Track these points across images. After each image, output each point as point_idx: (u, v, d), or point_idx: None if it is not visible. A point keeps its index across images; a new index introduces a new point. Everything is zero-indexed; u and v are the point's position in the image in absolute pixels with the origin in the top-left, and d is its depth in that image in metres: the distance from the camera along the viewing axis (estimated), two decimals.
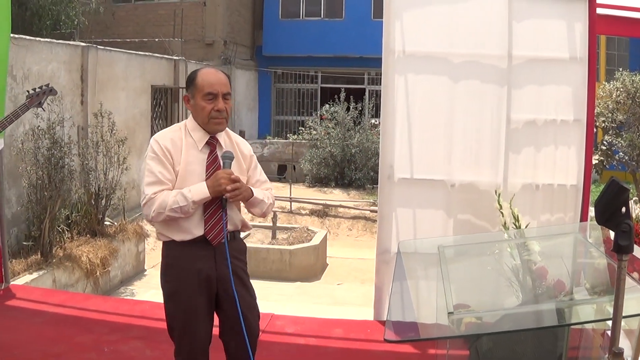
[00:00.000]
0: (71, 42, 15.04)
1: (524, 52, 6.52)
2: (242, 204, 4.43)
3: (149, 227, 13.51)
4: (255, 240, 15.56)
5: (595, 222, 3.14)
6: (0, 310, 7.17)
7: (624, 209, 2.88)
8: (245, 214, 4.59)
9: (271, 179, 4.66)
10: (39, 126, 10.73)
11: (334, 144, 22.62)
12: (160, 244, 4.34)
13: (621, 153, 17.61)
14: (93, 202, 12.16)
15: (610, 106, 17.60)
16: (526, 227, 5.57)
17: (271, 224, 16.06)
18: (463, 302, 4.05)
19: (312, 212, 19.54)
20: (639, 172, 16.90)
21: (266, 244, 15.25)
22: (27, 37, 12.63)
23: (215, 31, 25.62)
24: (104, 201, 12.34)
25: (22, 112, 5.82)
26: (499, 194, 5.85)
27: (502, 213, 5.68)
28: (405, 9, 6.59)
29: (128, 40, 24.09)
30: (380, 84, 6.81)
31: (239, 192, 4.15)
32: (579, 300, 4.44)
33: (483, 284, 5.02)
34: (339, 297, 12.44)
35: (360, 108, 23.49)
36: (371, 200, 19.90)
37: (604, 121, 17.57)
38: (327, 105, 23.90)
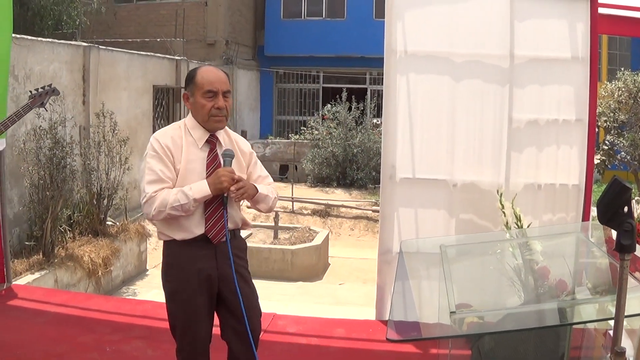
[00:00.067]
0: (73, 42, 15.05)
1: (525, 52, 6.52)
2: (241, 202, 4.44)
3: (150, 227, 13.53)
4: (257, 240, 15.57)
5: (597, 222, 3.14)
6: (3, 310, 7.17)
7: (626, 209, 2.88)
8: (245, 213, 4.58)
9: (273, 179, 4.65)
10: (40, 126, 10.73)
11: (336, 143, 22.63)
12: (162, 244, 4.34)
13: (623, 153, 17.64)
14: (95, 202, 12.16)
15: (612, 106, 17.62)
16: (528, 226, 5.57)
17: (273, 224, 16.07)
18: (465, 301, 4.06)
19: (314, 212, 19.55)
20: None
21: (268, 243, 15.26)
22: (29, 37, 12.64)
23: (217, 31, 25.62)
24: (106, 201, 12.34)
25: (25, 112, 5.82)
26: (501, 194, 5.85)
27: (504, 213, 5.68)
28: (407, 8, 6.59)
29: (130, 40, 24.08)
30: (382, 84, 6.81)
31: (244, 190, 4.15)
32: (581, 300, 4.44)
33: (485, 283, 5.03)
34: (341, 297, 12.45)
35: (362, 108, 23.51)
36: (373, 200, 19.91)
37: (605, 121, 17.59)
38: (329, 105, 23.91)
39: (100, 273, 11.28)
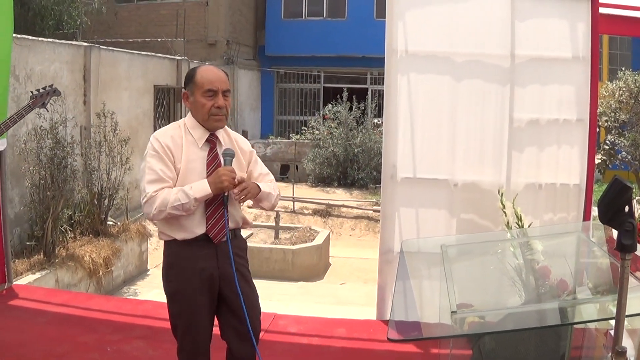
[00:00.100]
0: (74, 42, 15.06)
1: (526, 52, 6.52)
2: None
3: (151, 227, 13.54)
4: (258, 240, 15.58)
5: (598, 222, 3.14)
6: (4, 310, 7.17)
7: (627, 208, 2.88)
8: (246, 213, 4.57)
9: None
10: (41, 126, 10.74)
11: (337, 143, 22.63)
12: (162, 244, 4.34)
13: (624, 152, 17.64)
14: (96, 202, 12.18)
15: (613, 106, 17.62)
16: (529, 226, 5.57)
17: (274, 224, 16.08)
18: (466, 301, 4.06)
19: (315, 212, 19.56)
20: None
21: (269, 243, 15.28)
22: (30, 37, 12.65)
23: (218, 31, 25.62)
24: (106, 201, 12.36)
25: (26, 112, 5.82)
26: (502, 194, 5.86)
27: (505, 212, 5.68)
28: (408, 8, 6.59)
29: (131, 40, 24.08)
30: (383, 84, 6.81)
31: (247, 191, 4.16)
32: (581, 300, 4.44)
33: (486, 283, 5.03)
34: (342, 296, 12.45)
35: (362, 108, 23.52)
36: (374, 200, 19.92)
37: (606, 121, 17.59)
38: (330, 105, 23.92)
39: (101, 273, 11.29)
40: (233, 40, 26.08)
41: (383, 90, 6.85)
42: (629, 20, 6.70)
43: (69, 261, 10.67)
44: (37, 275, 9.90)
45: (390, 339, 3.93)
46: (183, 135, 4.21)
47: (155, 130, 13.28)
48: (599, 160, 17.04)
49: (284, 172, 24.37)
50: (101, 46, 15.64)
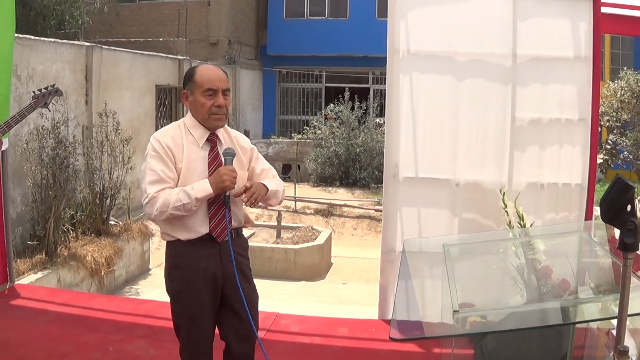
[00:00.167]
0: (75, 42, 15.07)
1: (528, 51, 6.52)
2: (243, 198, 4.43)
3: (153, 227, 13.55)
4: (260, 239, 15.59)
5: (600, 221, 3.14)
6: (6, 309, 7.18)
7: (629, 207, 2.88)
8: (248, 213, 4.58)
9: None
10: (43, 126, 10.74)
11: (339, 143, 22.61)
12: (164, 243, 4.33)
13: (626, 152, 17.65)
14: (98, 202, 12.18)
15: (614, 105, 17.62)
16: (531, 226, 5.57)
17: (276, 223, 16.08)
18: (468, 301, 4.06)
19: (317, 212, 19.56)
20: None
21: (271, 243, 15.28)
22: (32, 37, 12.66)
23: (220, 31, 25.62)
24: (108, 200, 12.36)
25: (28, 112, 5.83)
26: (504, 193, 5.86)
27: (507, 212, 5.68)
28: (410, 8, 6.59)
29: (132, 40, 24.09)
30: (385, 83, 6.82)
31: (255, 196, 4.16)
32: (583, 299, 4.44)
33: (488, 282, 5.03)
34: (344, 296, 12.45)
35: (364, 107, 23.48)
36: (376, 200, 19.90)
37: (608, 120, 17.59)
38: (332, 105, 23.87)
39: (103, 272, 11.30)
40: (235, 39, 26.08)
41: (385, 89, 6.85)
42: (631, 19, 6.70)
43: (70, 261, 10.68)
44: (39, 274, 9.90)
45: (393, 338, 3.93)
46: (183, 135, 4.20)
47: (157, 129, 13.29)
48: (601, 160, 17.04)
49: (285, 172, 24.36)
50: (103, 46, 15.65)
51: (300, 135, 25.62)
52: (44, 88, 5.97)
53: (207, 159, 4.19)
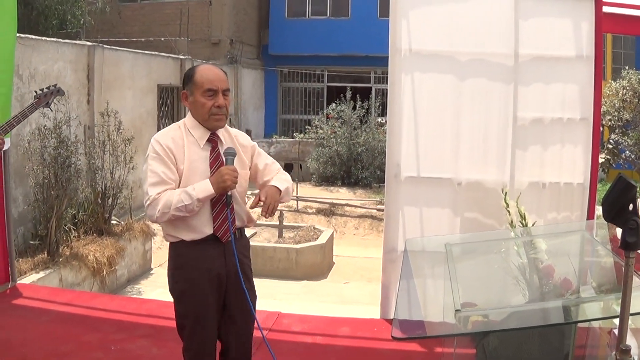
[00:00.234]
0: (77, 42, 15.08)
1: (530, 50, 6.52)
2: (246, 197, 4.43)
3: (155, 226, 13.54)
4: (261, 239, 15.58)
5: (602, 221, 3.14)
6: (7, 309, 7.19)
7: (631, 206, 2.88)
8: (251, 211, 4.57)
9: None
10: (45, 125, 10.74)
11: (341, 142, 22.60)
12: (166, 242, 4.33)
13: (627, 152, 17.65)
14: (100, 201, 12.18)
15: (616, 105, 17.63)
16: (533, 225, 5.57)
17: (278, 223, 16.07)
18: (470, 300, 4.06)
19: (319, 211, 19.55)
20: None
21: (273, 242, 15.26)
22: (34, 37, 12.67)
23: (222, 30, 25.63)
24: (110, 200, 12.36)
25: (30, 112, 5.82)
26: (506, 192, 5.85)
27: (508, 211, 5.68)
28: (412, 7, 6.59)
29: (134, 39, 24.10)
30: (387, 83, 6.81)
31: (273, 205, 4.17)
32: (585, 298, 4.44)
33: (490, 282, 5.03)
34: (346, 295, 12.44)
35: (366, 107, 23.45)
36: (377, 199, 19.89)
37: (610, 120, 17.60)
38: (334, 104, 23.84)
39: (104, 272, 11.29)
40: (236, 39, 26.09)
41: (387, 89, 6.85)
42: (633, 19, 6.71)
43: (72, 260, 10.68)
44: (41, 274, 9.90)
45: (395, 337, 3.93)
46: (184, 136, 4.20)
47: (159, 129, 13.24)
48: (603, 159, 17.05)
49: (287, 172, 23.99)
50: (105, 45, 15.67)
51: (302, 135, 25.62)
52: (46, 88, 5.97)
53: (208, 159, 4.18)
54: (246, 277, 4.23)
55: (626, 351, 2.95)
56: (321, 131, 23.65)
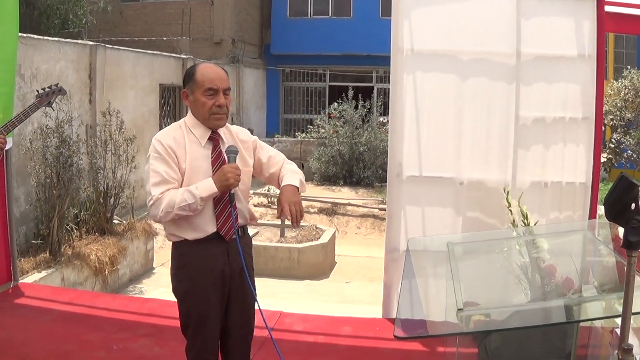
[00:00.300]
0: (79, 41, 15.08)
1: (532, 50, 6.52)
2: (248, 195, 4.44)
3: (157, 225, 13.53)
4: (263, 238, 15.59)
5: (604, 220, 3.14)
6: (10, 308, 7.19)
7: (633, 205, 2.88)
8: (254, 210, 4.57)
9: None
10: (47, 125, 10.76)
11: (343, 142, 22.60)
12: (168, 242, 4.33)
13: (629, 151, 17.66)
14: (102, 201, 12.20)
15: (618, 104, 17.64)
16: (535, 224, 5.57)
17: (279, 222, 16.07)
18: (472, 299, 4.06)
19: (321, 211, 19.55)
20: None
21: (275, 242, 15.27)
22: (35, 36, 12.67)
23: (224, 30, 25.66)
24: (112, 200, 12.38)
25: (32, 111, 5.82)
26: (508, 192, 5.86)
27: (510, 211, 5.69)
28: (414, 7, 6.59)
29: (136, 39, 24.14)
30: (389, 82, 6.82)
31: (298, 208, 4.14)
32: (587, 298, 4.44)
33: (492, 281, 5.03)
34: (348, 295, 12.44)
35: (368, 106, 23.43)
36: (379, 199, 19.88)
37: (612, 119, 17.61)
38: (336, 104, 23.82)
39: (106, 271, 11.30)
40: (238, 38, 26.11)
41: (389, 88, 6.86)
42: (635, 18, 6.70)
43: (74, 260, 10.68)
44: (43, 273, 9.91)
45: (397, 336, 3.92)
46: (185, 135, 4.19)
47: (161, 128, 13.34)
48: (605, 159, 17.05)
49: None
50: (107, 45, 15.67)
51: (304, 134, 25.64)
52: (48, 87, 5.96)
53: (210, 158, 4.18)
54: (250, 275, 4.23)
55: (628, 350, 2.95)
56: (323, 131, 23.64)
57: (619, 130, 17.82)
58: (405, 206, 6.74)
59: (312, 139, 24.42)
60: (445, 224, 6.66)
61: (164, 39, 23.91)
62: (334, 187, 22.21)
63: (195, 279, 4.13)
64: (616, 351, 3.05)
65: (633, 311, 2.99)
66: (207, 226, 4.12)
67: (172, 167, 4.06)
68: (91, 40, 16.18)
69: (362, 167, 22.44)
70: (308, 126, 26.00)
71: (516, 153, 6.55)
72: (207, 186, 3.99)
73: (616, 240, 4.69)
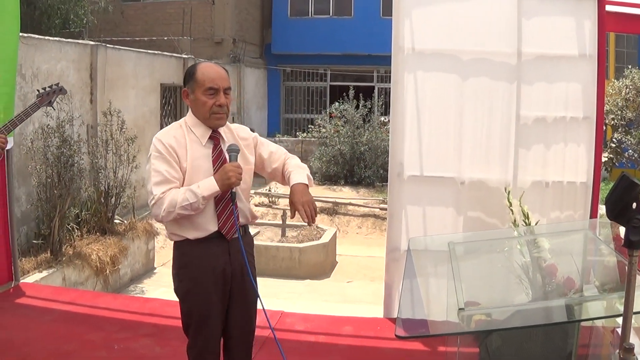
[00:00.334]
0: (80, 41, 15.08)
1: (533, 49, 6.52)
2: (249, 195, 4.44)
3: (158, 225, 13.54)
4: (265, 238, 15.60)
5: (605, 220, 3.14)
6: (11, 308, 7.19)
7: (634, 205, 2.88)
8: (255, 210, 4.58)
9: None
10: (48, 125, 10.77)
11: (344, 141, 22.59)
12: (169, 241, 4.33)
13: (630, 151, 17.65)
14: (103, 201, 12.20)
15: (619, 104, 17.64)
16: (536, 224, 5.57)
17: (280, 222, 16.07)
18: (473, 299, 4.06)
19: (322, 210, 19.51)
20: None
21: (276, 241, 15.28)
22: (36, 36, 12.68)
23: (224, 29, 25.66)
24: (113, 199, 12.38)
25: (33, 111, 5.81)
26: (509, 191, 5.86)
27: (511, 210, 5.68)
28: (415, 6, 6.59)
29: (137, 38, 24.15)
30: (390, 82, 6.82)
31: (311, 209, 4.23)
32: (589, 297, 4.44)
33: (493, 281, 5.03)
34: (349, 294, 12.45)
35: (369, 106, 23.43)
36: (380, 198, 19.89)
37: (613, 119, 17.61)
38: (337, 103, 23.82)
39: (108, 271, 11.30)
40: (239, 38, 26.12)
41: (390, 88, 6.85)
42: (636, 17, 6.70)
43: (75, 259, 10.69)
44: (44, 273, 9.91)
45: (398, 336, 3.93)
46: (185, 134, 4.18)
47: (162, 128, 13.27)
48: (606, 159, 17.06)
49: None
50: (107, 45, 15.69)
51: (305, 134, 25.65)
52: (49, 87, 5.95)
53: (211, 157, 4.18)
54: (252, 274, 4.23)
55: (630, 349, 2.94)
56: (324, 130, 23.63)
57: (620, 129, 17.82)
58: (407, 206, 6.74)
59: (313, 139, 24.42)
60: (446, 224, 6.65)
61: (165, 38, 23.92)
62: (335, 187, 22.19)
63: (197, 279, 4.13)
64: (617, 350, 3.05)
65: (634, 310, 3.00)
66: (209, 225, 4.11)
67: (174, 166, 4.06)
68: (92, 40, 16.19)
69: (363, 167, 22.43)
70: (309, 126, 26.02)
71: (517, 153, 6.55)
72: (208, 185, 3.99)
73: (617, 240, 4.69)
